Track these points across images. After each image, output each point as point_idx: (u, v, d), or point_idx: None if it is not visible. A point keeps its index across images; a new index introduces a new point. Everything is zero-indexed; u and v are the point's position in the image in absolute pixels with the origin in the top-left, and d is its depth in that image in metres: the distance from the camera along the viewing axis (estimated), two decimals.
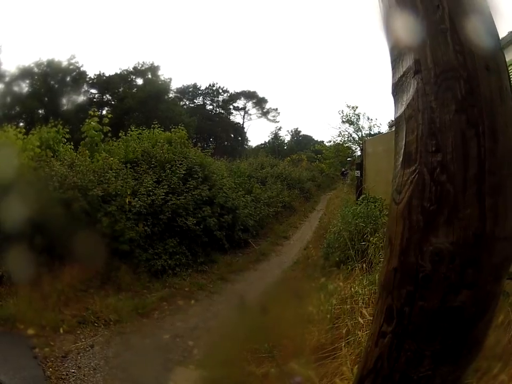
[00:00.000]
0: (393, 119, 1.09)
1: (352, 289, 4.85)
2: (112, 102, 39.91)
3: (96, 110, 11.73)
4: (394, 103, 1.07)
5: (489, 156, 0.92)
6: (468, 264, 0.91)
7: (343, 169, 29.27)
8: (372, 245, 5.69)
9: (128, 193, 8.25)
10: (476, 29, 0.98)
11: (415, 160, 0.96)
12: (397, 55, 1.07)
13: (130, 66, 41.69)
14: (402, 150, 1.00)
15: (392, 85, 1.09)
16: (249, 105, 50.92)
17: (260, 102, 50.72)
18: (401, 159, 1.00)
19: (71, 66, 37.57)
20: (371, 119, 26.13)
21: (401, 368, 1.01)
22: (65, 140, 10.14)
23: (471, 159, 0.90)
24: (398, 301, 0.99)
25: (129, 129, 12.06)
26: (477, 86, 0.94)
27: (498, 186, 0.93)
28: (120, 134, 11.69)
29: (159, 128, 11.91)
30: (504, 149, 0.94)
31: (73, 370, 4.70)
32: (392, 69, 1.09)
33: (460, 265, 0.90)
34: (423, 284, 0.93)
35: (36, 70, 35.74)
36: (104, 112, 30.24)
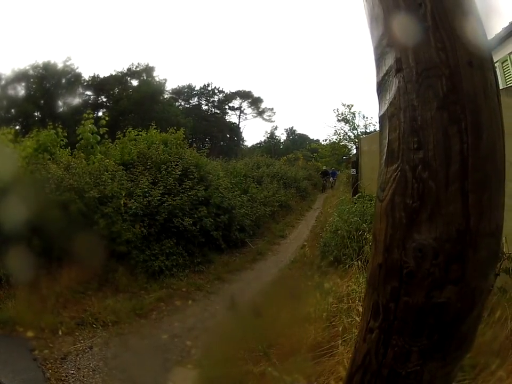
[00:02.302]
0: (378, 117, 1.10)
1: (349, 287, 4.87)
2: (108, 104, 39.94)
3: (91, 112, 11.69)
4: (379, 101, 1.08)
5: (473, 152, 0.92)
6: (452, 260, 0.91)
7: (327, 169, 27.84)
8: (368, 243, 5.70)
9: (123, 195, 8.25)
10: (459, 25, 0.98)
11: (397, 158, 0.96)
12: (380, 54, 1.07)
13: (125, 68, 41.77)
14: (386, 148, 1.01)
15: (376, 84, 1.10)
16: (245, 105, 50.92)
17: (255, 102, 50.72)
18: (384, 157, 1.01)
19: (66, 69, 37.58)
20: (366, 117, 26.17)
21: (389, 363, 1.02)
22: (64, 143, 10.14)
23: (453, 156, 0.91)
24: (383, 296, 0.99)
25: (125, 130, 12.05)
26: (459, 82, 0.94)
27: (483, 182, 0.93)
28: (118, 135, 11.69)
29: (155, 129, 11.90)
30: (488, 145, 0.95)
31: (72, 372, 4.71)
32: (376, 68, 1.10)
33: (444, 261, 0.91)
34: (407, 280, 0.94)
35: (31, 72, 35.75)
36: (100, 114, 30.21)
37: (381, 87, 1.07)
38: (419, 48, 0.96)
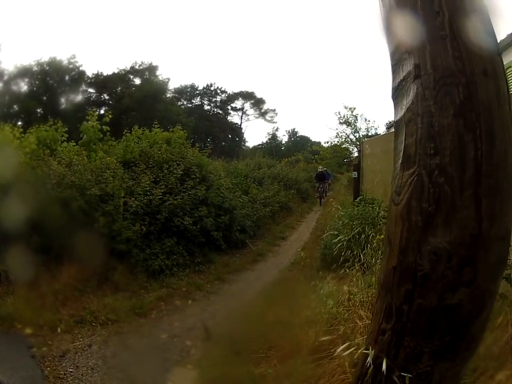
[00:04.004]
0: (394, 122, 1.12)
1: (350, 290, 4.87)
2: (110, 102, 39.88)
3: (95, 109, 11.68)
4: (394, 106, 1.09)
5: (486, 158, 0.94)
6: (465, 263, 0.93)
7: (322, 169, 21.47)
8: (369, 246, 5.70)
9: (122, 194, 8.25)
10: (475, 35, 1.00)
11: (414, 163, 0.98)
12: (397, 60, 1.09)
13: (128, 66, 41.66)
14: (402, 152, 1.03)
15: (392, 89, 1.12)
16: (247, 105, 50.77)
17: (257, 103, 50.61)
18: (400, 161, 1.03)
19: (70, 66, 37.56)
20: (368, 121, 26.25)
21: (400, 364, 1.03)
22: (64, 139, 10.12)
23: (468, 162, 0.93)
24: (397, 299, 1.01)
25: (126, 129, 12.03)
26: (474, 91, 0.97)
27: (495, 188, 0.95)
28: (125, 133, 11.67)
29: (158, 128, 11.90)
30: (500, 152, 0.97)
31: (71, 370, 4.68)
32: (393, 73, 1.12)
33: (457, 264, 0.93)
34: (422, 282, 0.95)
35: (35, 69, 35.73)
36: (102, 111, 30.18)
37: (397, 92, 1.08)
38: (437, 56, 0.98)
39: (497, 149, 0.96)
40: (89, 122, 10.73)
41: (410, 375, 1.03)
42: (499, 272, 1.03)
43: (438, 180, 0.94)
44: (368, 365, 1.15)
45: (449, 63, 0.98)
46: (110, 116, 11.63)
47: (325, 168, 22.26)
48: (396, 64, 1.10)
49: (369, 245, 5.70)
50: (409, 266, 0.98)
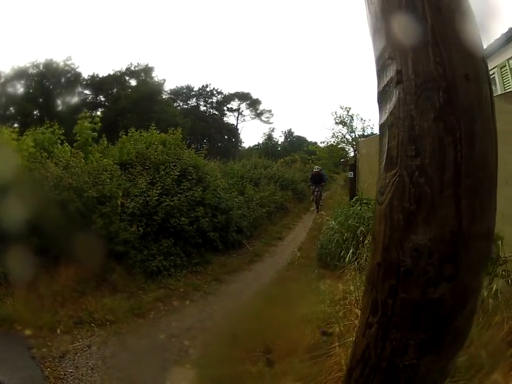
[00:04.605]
0: (379, 125, 1.16)
1: (346, 289, 4.91)
2: (106, 103, 39.84)
3: (87, 111, 11.69)
4: (379, 110, 1.14)
5: (466, 160, 0.99)
6: (445, 259, 0.98)
7: (318, 169, 18.49)
8: (365, 246, 5.75)
9: (120, 194, 8.27)
10: (458, 40, 1.05)
11: (396, 164, 1.03)
12: (381, 65, 1.14)
13: (123, 67, 41.59)
14: (385, 154, 1.08)
15: (377, 93, 1.16)
16: (243, 106, 50.79)
17: (253, 104, 50.64)
18: (384, 163, 1.08)
19: (66, 68, 37.47)
20: (364, 120, 26.31)
21: (387, 357, 1.08)
22: (61, 141, 10.13)
23: (447, 163, 0.98)
24: (381, 293, 1.06)
25: (123, 130, 12.05)
26: (455, 95, 1.01)
27: (475, 188, 1.00)
28: (120, 134, 11.69)
29: (154, 130, 11.92)
30: (481, 154, 1.01)
31: (71, 370, 4.72)
32: (378, 78, 1.16)
33: (438, 260, 0.97)
34: (404, 277, 1.00)
35: (31, 71, 35.66)
36: (98, 113, 30.15)
37: (382, 97, 1.13)
38: (418, 62, 1.03)
39: (477, 151, 1.00)
40: (82, 124, 10.74)
41: (397, 368, 1.08)
42: (481, 268, 1.07)
43: (418, 180, 0.99)
44: (358, 358, 1.19)
45: (430, 68, 1.02)
46: (101, 116, 11.64)
47: (320, 168, 19.45)
48: (381, 70, 1.14)
49: (364, 244, 5.75)
50: (392, 263, 1.02)
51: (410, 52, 1.06)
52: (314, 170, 18.69)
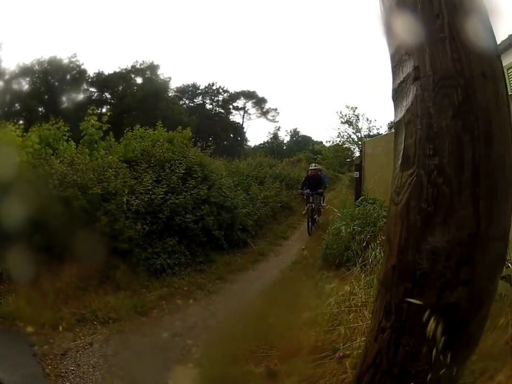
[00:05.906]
0: (393, 123, 1.13)
1: (351, 290, 4.87)
2: (112, 101, 39.91)
3: (94, 108, 11.65)
4: (394, 107, 1.11)
5: (484, 160, 0.96)
6: (463, 262, 0.95)
7: (315, 167, 13.23)
8: (371, 246, 5.70)
9: (126, 192, 8.26)
10: (474, 37, 1.01)
11: (413, 163, 1.00)
12: (397, 62, 1.11)
13: (129, 65, 41.61)
14: (401, 153, 1.04)
15: (393, 90, 1.13)
16: (249, 105, 50.68)
17: (259, 102, 50.52)
18: (400, 162, 1.05)
19: (71, 65, 37.57)
20: (370, 120, 26.26)
21: (399, 362, 1.05)
22: (66, 138, 10.14)
23: (466, 163, 0.95)
24: (396, 297, 1.03)
25: (128, 128, 12.05)
26: (473, 93, 0.98)
27: (492, 189, 0.97)
28: (126, 131, 11.70)
29: (161, 128, 11.91)
30: (498, 154, 0.98)
31: (72, 368, 4.69)
32: (393, 75, 1.13)
33: (455, 263, 0.94)
34: (420, 281, 0.97)
35: (36, 67, 35.76)
36: (103, 110, 30.23)
37: (397, 94, 1.10)
38: (436, 58, 1.00)
39: (495, 150, 0.97)
40: (89, 121, 10.71)
41: (409, 374, 1.05)
42: (497, 271, 1.04)
43: (436, 180, 0.96)
44: (369, 362, 1.16)
45: (448, 65, 0.99)
46: (109, 114, 11.64)
47: (319, 167, 14.35)
48: (396, 66, 1.11)
49: (370, 245, 5.71)
50: (408, 265, 0.99)
51: (428, 47, 1.03)
52: (310, 169, 13.39)
